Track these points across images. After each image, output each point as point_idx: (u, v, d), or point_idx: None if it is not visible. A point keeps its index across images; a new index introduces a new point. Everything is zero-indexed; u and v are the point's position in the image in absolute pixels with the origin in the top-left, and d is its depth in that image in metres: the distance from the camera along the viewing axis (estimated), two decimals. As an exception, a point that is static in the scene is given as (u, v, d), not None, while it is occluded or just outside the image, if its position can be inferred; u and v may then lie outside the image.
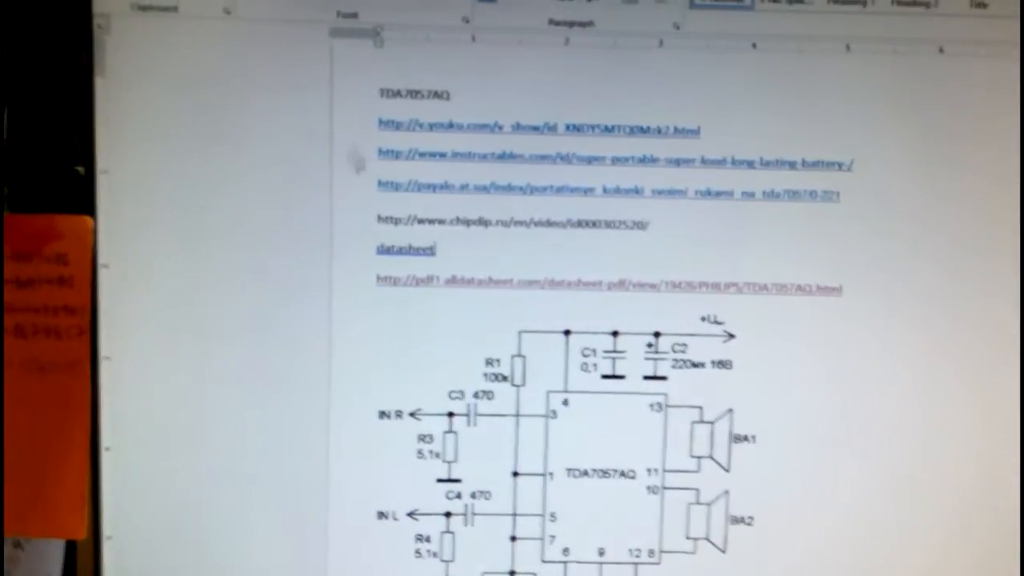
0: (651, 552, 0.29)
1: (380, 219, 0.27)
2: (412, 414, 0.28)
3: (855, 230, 0.28)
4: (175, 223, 0.27)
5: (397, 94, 0.27)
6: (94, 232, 0.26)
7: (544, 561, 0.29)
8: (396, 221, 0.27)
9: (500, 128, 0.27)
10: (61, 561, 0.27)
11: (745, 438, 0.28)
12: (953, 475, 0.29)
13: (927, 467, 0.29)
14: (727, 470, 0.28)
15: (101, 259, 0.27)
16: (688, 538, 0.29)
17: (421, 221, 0.27)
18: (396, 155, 0.27)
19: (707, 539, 0.29)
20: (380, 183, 0.27)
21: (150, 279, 0.27)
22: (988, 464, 0.29)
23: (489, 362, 0.28)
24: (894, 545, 0.29)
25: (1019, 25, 0.27)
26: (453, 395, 0.28)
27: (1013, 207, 0.28)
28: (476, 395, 0.28)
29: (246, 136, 0.27)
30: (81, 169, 0.26)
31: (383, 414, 0.28)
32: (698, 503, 0.29)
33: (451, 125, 0.27)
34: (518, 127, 0.27)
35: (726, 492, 0.29)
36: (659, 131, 0.27)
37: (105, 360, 0.27)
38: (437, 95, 0.27)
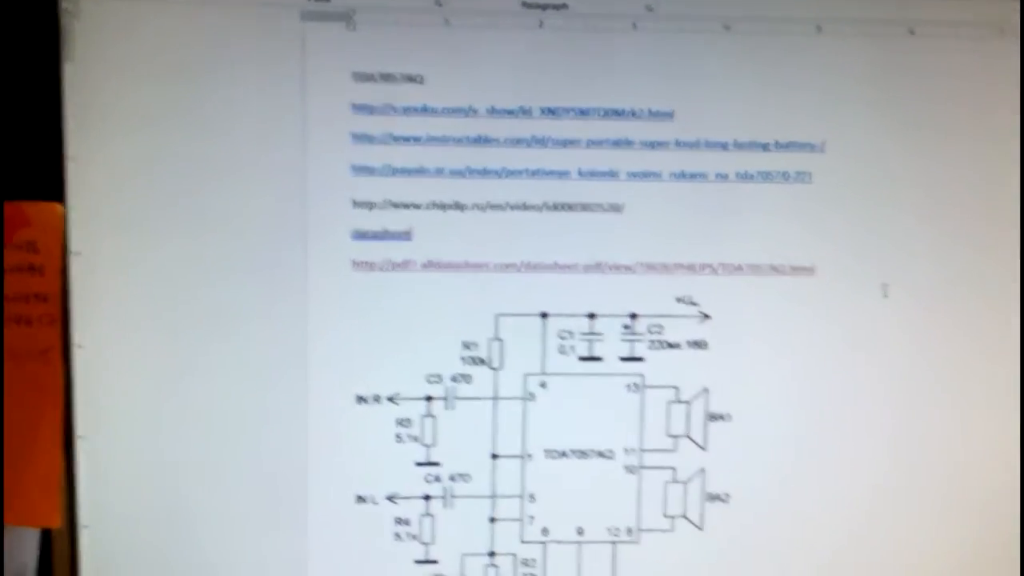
0: (629, 530, 0.28)
1: (355, 204, 0.26)
2: (390, 398, 0.26)
3: (827, 211, 0.27)
4: (147, 209, 0.26)
5: (370, 78, 0.25)
6: (64, 219, 0.24)
7: (524, 541, 0.27)
8: (371, 206, 0.26)
9: (475, 112, 0.25)
10: (36, 550, 0.26)
11: (721, 417, 0.27)
12: (928, 450, 0.28)
13: (901, 444, 0.28)
14: (703, 448, 0.27)
15: (72, 246, 0.25)
16: (666, 516, 0.28)
17: (396, 206, 0.26)
18: (370, 140, 0.25)
19: (684, 517, 0.28)
20: (354, 168, 0.25)
21: (122, 266, 0.26)
22: (964, 439, 0.28)
23: (467, 345, 0.26)
24: (868, 521, 0.28)
25: (989, 5, 0.25)
26: (431, 379, 0.26)
27: (984, 187, 0.27)
28: (454, 379, 0.26)
29: (218, 121, 0.25)
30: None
31: (361, 399, 0.26)
32: (675, 481, 0.28)
33: (425, 109, 0.25)
34: (493, 111, 0.25)
35: (702, 470, 0.28)
36: (633, 114, 0.26)
37: (78, 348, 0.26)
38: (411, 79, 0.25)
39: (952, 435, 0.28)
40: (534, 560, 0.28)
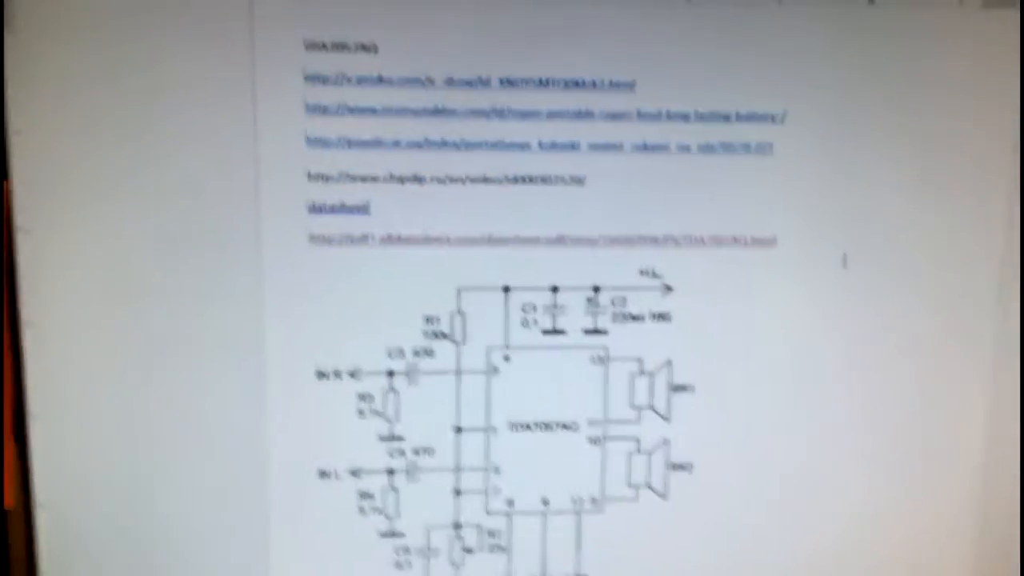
0: (594, 500, 0.28)
1: (310, 177, 0.25)
2: (351, 373, 0.26)
3: (788, 182, 0.27)
4: (94, 183, 0.25)
5: (322, 47, 0.24)
6: (9, 195, 0.23)
7: (489, 513, 0.27)
8: (327, 179, 0.25)
9: (431, 82, 0.25)
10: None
11: (684, 388, 0.28)
12: (890, 419, 0.28)
13: (863, 412, 0.28)
14: (667, 419, 0.28)
15: (18, 222, 0.24)
16: (630, 486, 0.28)
17: (353, 179, 0.25)
18: (324, 111, 0.25)
19: (648, 486, 0.28)
20: (309, 139, 0.25)
21: (71, 242, 0.25)
22: (925, 406, 0.28)
23: (428, 320, 0.26)
24: (830, 489, 0.28)
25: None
26: (393, 353, 0.26)
27: (946, 157, 0.27)
28: (416, 353, 0.26)
29: (165, 92, 0.25)
30: None
31: (321, 374, 0.26)
32: (639, 452, 0.28)
33: (380, 79, 0.25)
34: (450, 81, 0.25)
35: (666, 441, 0.28)
36: (594, 84, 0.25)
37: (28, 326, 0.24)
38: (364, 48, 0.25)
39: (914, 402, 0.28)
40: (499, 531, 0.28)
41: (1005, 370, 0.28)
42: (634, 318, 0.27)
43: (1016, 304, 0.28)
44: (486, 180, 0.26)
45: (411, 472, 0.27)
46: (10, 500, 0.24)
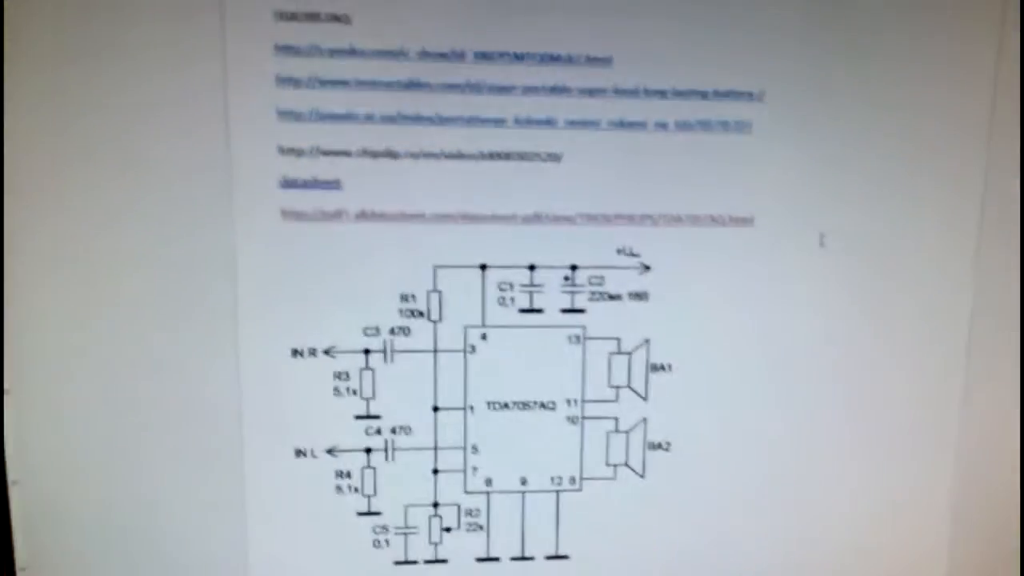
0: (572, 479, 0.27)
1: (282, 151, 0.24)
2: (326, 351, 0.26)
3: (766, 161, 0.26)
4: (62, 153, 0.24)
5: (293, 17, 0.24)
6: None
7: (467, 492, 0.27)
8: (299, 153, 0.24)
9: (405, 55, 0.24)
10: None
11: (662, 367, 0.27)
12: (866, 397, 0.28)
13: (840, 391, 0.28)
14: (645, 399, 0.27)
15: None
16: (608, 465, 0.28)
17: (326, 153, 0.24)
18: (296, 83, 0.24)
19: (627, 465, 0.28)
20: (280, 112, 0.24)
21: (41, 212, 0.24)
22: (901, 385, 0.28)
23: (404, 298, 0.25)
24: (808, 468, 0.28)
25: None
26: (368, 332, 0.26)
27: (925, 137, 0.27)
28: (392, 331, 0.26)
29: (134, 63, 0.24)
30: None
31: (296, 352, 0.25)
32: (617, 431, 0.28)
33: (353, 51, 0.24)
34: (424, 54, 0.24)
35: (644, 420, 0.28)
36: (570, 59, 0.25)
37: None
38: (336, 19, 0.24)
39: (890, 382, 0.28)
40: (478, 510, 0.27)
41: (979, 348, 0.28)
42: (612, 297, 0.27)
43: (994, 283, 0.28)
44: (461, 156, 0.25)
45: (388, 451, 0.27)
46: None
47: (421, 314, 0.26)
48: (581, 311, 0.27)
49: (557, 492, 0.28)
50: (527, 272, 0.26)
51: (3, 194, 0.24)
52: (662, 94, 0.25)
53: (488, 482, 0.27)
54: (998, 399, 0.28)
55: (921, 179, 0.27)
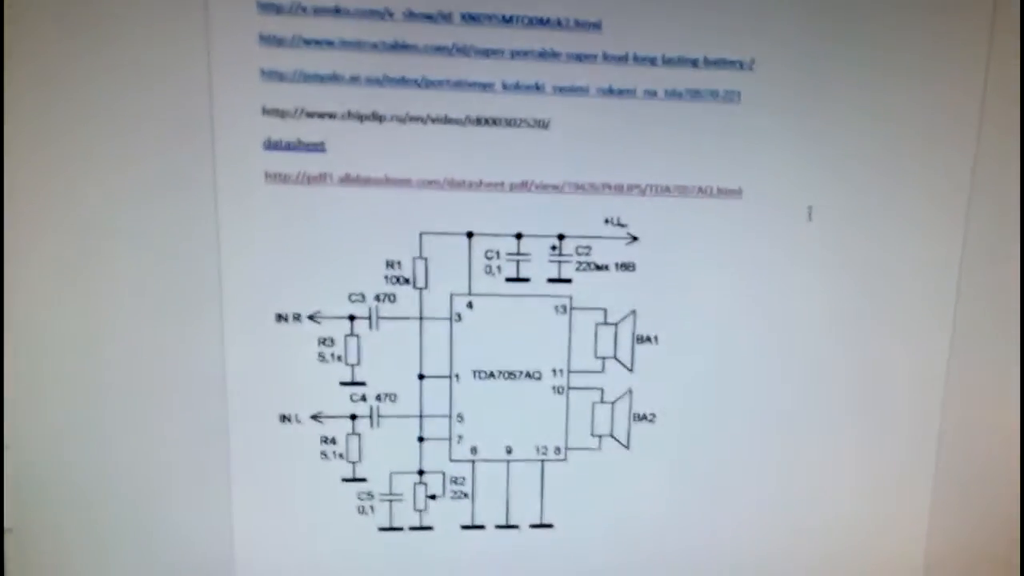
0: (557, 449, 0.27)
1: (265, 111, 0.24)
2: (311, 317, 0.25)
3: (755, 132, 0.26)
4: (43, 112, 0.23)
5: (277, -25, 0.23)
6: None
7: (452, 460, 0.27)
8: (283, 114, 0.24)
9: (391, 15, 0.23)
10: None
11: (648, 339, 0.27)
12: (852, 370, 0.28)
13: (825, 364, 0.28)
14: (630, 370, 0.27)
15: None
16: (593, 435, 0.27)
17: (311, 115, 0.24)
18: (279, 42, 0.23)
19: (611, 436, 0.27)
20: (263, 72, 0.23)
21: (19, 174, 0.23)
22: (887, 358, 0.28)
23: (390, 264, 0.25)
24: (792, 440, 0.28)
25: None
26: (353, 298, 0.25)
27: (915, 109, 0.26)
28: (378, 298, 0.25)
29: (117, 22, 0.23)
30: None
31: (280, 317, 0.25)
32: (602, 402, 0.27)
33: (337, 11, 0.23)
34: (410, 15, 0.23)
35: (629, 391, 0.27)
36: (560, 23, 0.24)
37: None
38: (321, -23, 0.23)
39: (876, 354, 0.27)
40: (463, 478, 0.27)
41: (966, 318, 0.27)
42: (599, 267, 0.26)
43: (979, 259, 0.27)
44: (448, 120, 0.24)
45: (374, 418, 0.26)
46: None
47: (407, 281, 0.25)
48: (568, 281, 0.26)
49: (542, 461, 0.27)
50: (514, 241, 0.26)
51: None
52: (652, 61, 0.25)
53: (473, 450, 0.27)
54: (985, 373, 0.28)
55: (910, 151, 0.26)
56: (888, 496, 0.28)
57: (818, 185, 0.26)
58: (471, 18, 0.24)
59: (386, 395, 0.26)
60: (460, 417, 0.27)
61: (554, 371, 0.27)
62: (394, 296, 0.25)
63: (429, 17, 0.24)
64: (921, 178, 0.26)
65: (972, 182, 0.26)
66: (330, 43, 0.23)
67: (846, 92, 0.25)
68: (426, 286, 0.26)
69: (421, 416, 0.26)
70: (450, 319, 0.26)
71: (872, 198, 0.26)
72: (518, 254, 0.26)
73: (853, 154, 0.26)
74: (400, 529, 0.27)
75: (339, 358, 0.26)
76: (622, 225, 0.26)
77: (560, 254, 0.26)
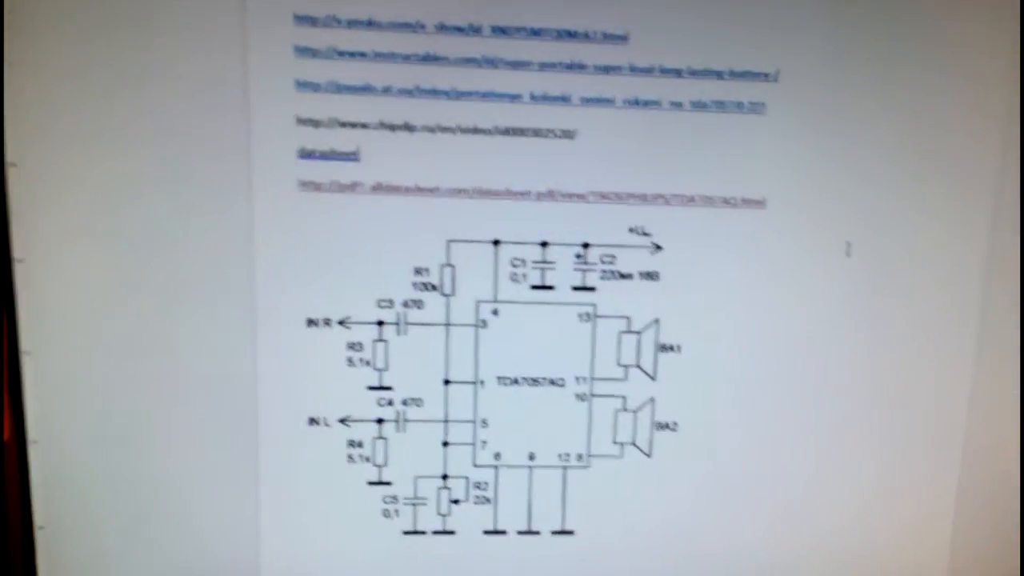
0: (580, 456, 0.27)
1: (299, 121, 0.24)
2: (341, 322, 0.25)
3: (780, 142, 0.26)
4: (85, 122, 0.24)
5: (313, -12, 0.23)
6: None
7: (476, 465, 0.27)
8: (317, 124, 0.24)
9: (423, 28, 0.24)
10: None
11: (671, 348, 0.27)
12: (876, 381, 0.27)
13: (848, 374, 0.27)
14: (653, 378, 0.27)
15: (8, 159, 0.23)
16: (615, 443, 0.27)
17: (343, 124, 0.24)
18: (313, 54, 0.24)
19: (633, 444, 0.27)
20: (298, 83, 0.24)
21: (62, 180, 0.24)
22: (912, 368, 0.27)
23: (418, 271, 0.25)
24: (813, 451, 0.28)
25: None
26: (382, 304, 0.25)
27: (941, 118, 0.26)
28: (405, 304, 0.25)
29: (155, 33, 0.24)
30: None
31: (311, 322, 0.25)
32: (625, 410, 0.27)
33: (371, 23, 0.23)
34: (442, 27, 0.24)
35: (652, 399, 0.27)
36: (587, 36, 0.24)
37: (18, 263, 0.24)
38: (355, -10, 0.23)
39: (900, 364, 0.27)
40: (486, 483, 0.27)
41: (991, 330, 0.27)
42: (623, 276, 0.26)
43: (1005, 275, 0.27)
44: (476, 131, 0.25)
45: (400, 422, 0.26)
46: (5, 432, 0.23)
47: (434, 287, 0.26)
48: (592, 289, 0.26)
49: (564, 468, 0.27)
50: (539, 249, 0.26)
51: (4, 166, 0.24)
52: (677, 73, 0.25)
53: (497, 456, 0.27)
54: (1009, 385, 0.27)
55: (936, 163, 0.26)
56: (912, 507, 0.28)
57: (843, 195, 0.26)
58: (501, 31, 0.24)
59: (412, 400, 0.26)
60: (484, 422, 0.27)
61: (577, 378, 0.27)
62: (421, 302, 0.26)
63: (460, 29, 0.24)
64: (947, 189, 0.26)
65: (998, 194, 0.26)
66: (363, 54, 0.24)
67: (871, 103, 0.25)
68: (453, 293, 0.26)
69: (446, 421, 0.27)
70: (476, 325, 0.26)
71: (897, 207, 0.26)
72: (543, 262, 0.26)
73: (878, 164, 0.26)
74: (423, 533, 0.27)
75: (367, 363, 0.26)
76: (646, 234, 0.26)
77: (585, 262, 0.26)
